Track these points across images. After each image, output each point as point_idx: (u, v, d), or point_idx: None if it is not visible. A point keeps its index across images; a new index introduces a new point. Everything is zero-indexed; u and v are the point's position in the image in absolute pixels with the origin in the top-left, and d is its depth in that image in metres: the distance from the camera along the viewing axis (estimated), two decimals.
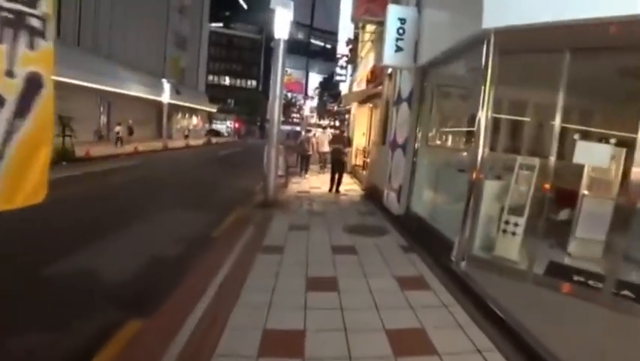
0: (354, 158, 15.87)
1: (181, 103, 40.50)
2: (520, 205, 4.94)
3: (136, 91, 31.06)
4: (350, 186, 12.46)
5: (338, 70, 30.89)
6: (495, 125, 5.21)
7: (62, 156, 15.67)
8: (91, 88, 25.52)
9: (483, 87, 4.50)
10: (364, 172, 13.10)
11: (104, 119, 30.92)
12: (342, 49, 29.43)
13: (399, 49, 6.98)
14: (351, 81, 20.23)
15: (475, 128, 4.56)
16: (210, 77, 77.49)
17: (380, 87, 10.52)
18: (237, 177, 13.94)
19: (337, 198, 10.16)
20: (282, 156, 11.23)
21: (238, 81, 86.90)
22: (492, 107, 4.57)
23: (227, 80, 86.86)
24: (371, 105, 14.50)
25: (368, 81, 12.53)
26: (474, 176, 4.64)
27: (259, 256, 5.11)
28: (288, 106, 75.77)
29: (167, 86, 29.94)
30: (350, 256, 5.28)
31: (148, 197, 9.75)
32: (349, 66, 27.38)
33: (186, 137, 37.10)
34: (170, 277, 4.30)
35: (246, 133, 71.07)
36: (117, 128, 26.55)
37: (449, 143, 7.00)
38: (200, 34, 53.59)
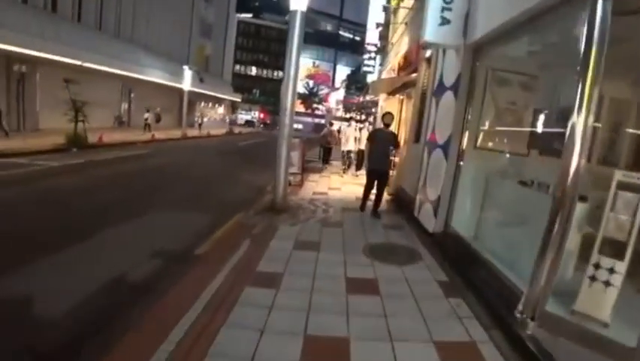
0: None
1: (204, 91, 39.60)
2: (619, 243, 3.36)
3: (158, 77, 30.30)
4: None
5: (366, 61, 29.13)
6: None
7: (74, 142, 14.97)
8: (112, 73, 24.84)
9: (584, 69, 2.91)
10: (391, 173, 11.57)
11: (124, 105, 30.38)
12: (372, 37, 27.70)
13: (444, 21, 5.42)
14: (380, 71, 18.66)
15: (567, 128, 2.99)
16: (237, 67, 77.04)
17: (414, 74, 8.95)
18: (250, 172, 12.63)
19: (358, 202, 8.70)
20: (297, 151, 9.84)
21: (265, 72, 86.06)
22: (595, 99, 2.98)
23: (253, 71, 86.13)
24: (402, 96, 12.89)
25: (400, 69, 10.94)
26: (562, 196, 3.09)
27: (246, 292, 3.73)
28: (310, 95, 74.13)
29: (187, 73, 28.93)
30: (370, 298, 3.82)
31: (141, 193, 8.53)
32: (378, 56, 25.71)
33: (199, 125, 34.94)
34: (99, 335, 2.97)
35: (272, 123, 70.38)
36: (146, 115, 26.77)
37: (507, 146, 5.39)
38: (226, 22, 52.71)
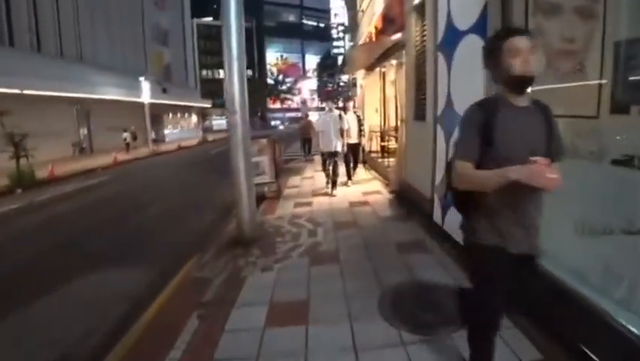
0: (368, 143, 12.31)
1: (169, 102, 37.08)
2: None
3: (114, 94, 27.74)
4: (369, 184, 8.93)
5: (335, 42, 27.07)
6: None
7: (18, 182, 12.78)
8: (60, 97, 22.37)
9: None
10: (386, 162, 9.56)
11: (83, 130, 27.85)
12: (337, 16, 25.66)
13: None
14: (352, 47, 16.63)
15: None
16: (204, 72, 74.05)
17: (399, 34, 6.94)
18: (219, 184, 10.46)
19: (353, 210, 6.68)
20: (266, 156, 7.78)
21: None
22: None
23: (221, 74, 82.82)
24: (384, 69, 10.90)
25: (378, 34, 8.90)
26: None
27: None
28: (276, 85, 70.61)
29: (145, 84, 26.47)
30: None
31: (70, 244, 6.37)
32: (347, 35, 23.70)
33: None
34: None
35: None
36: (124, 135, 26.15)
37: (569, 105, 3.19)
38: (183, 27, 49.95)
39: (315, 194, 8.16)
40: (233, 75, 4.88)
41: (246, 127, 5.07)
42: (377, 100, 12.30)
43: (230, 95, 4.92)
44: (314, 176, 10.59)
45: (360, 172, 10.93)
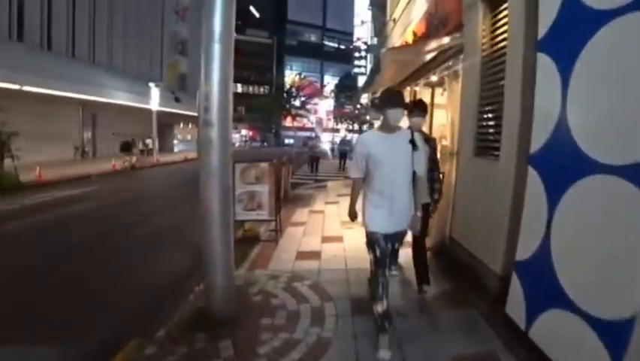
0: None
1: (181, 111, 35.85)
2: None
3: (124, 100, 26.49)
4: None
5: (356, 61, 25.58)
6: None
7: None
8: (67, 97, 21.14)
9: None
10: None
11: (87, 134, 26.60)
12: (360, 32, 24.20)
13: None
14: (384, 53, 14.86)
15: None
16: None
17: (457, 34, 5.15)
18: None
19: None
20: (266, 185, 5.94)
21: (250, 88, 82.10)
22: None
23: (239, 88, 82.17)
24: (416, 87, 9.13)
25: (418, 40, 7.14)
26: None
27: None
28: (289, 96, 68.88)
29: (155, 91, 25.13)
30: None
31: None
32: (369, 55, 22.16)
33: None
34: None
35: (261, 141, 66.48)
36: (147, 141, 27.17)
37: None
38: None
39: (325, 239, 6.28)
40: (212, 65, 3.11)
41: (226, 146, 3.26)
42: (405, 123, 10.47)
43: (206, 95, 3.13)
44: (325, 210, 8.71)
45: None
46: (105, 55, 27.80)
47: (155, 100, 25.29)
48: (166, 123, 34.71)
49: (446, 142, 8.62)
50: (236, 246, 5.77)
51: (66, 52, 23.96)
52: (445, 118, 9.64)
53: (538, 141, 3.02)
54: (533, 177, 3.05)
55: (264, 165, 5.93)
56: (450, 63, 5.44)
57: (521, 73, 3.42)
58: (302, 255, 5.41)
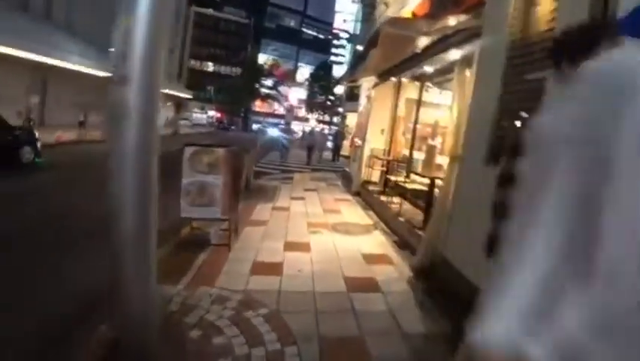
0: (366, 170, 9.55)
1: None
2: None
3: (79, 64, 24.17)
4: (370, 237, 6.09)
5: (333, 49, 24.49)
6: None
7: None
8: (13, 57, 18.83)
9: None
10: (393, 205, 6.77)
11: (35, 99, 24.16)
12: (341, 23, 23.06)
13: None
14: (354, 60, 13.74)
15: None
16: (192, 62, 70.27)
17: (466, 16, 4.21)
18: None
19: (352, 301, 3.82)
20: (220, 176, 4.83)
21: (222, 68, 78.97)
22: None
23: (210, 67, 78.92)
24: (405, 77, 8.27)
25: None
26: None
27: None
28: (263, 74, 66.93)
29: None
30: None
31: None
32: (349, 46, 21.13)
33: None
34: None
35: (229, 124, 64.17)
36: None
37: None
38: (176, 10, 46.55)
39: (289, 245, 5.24)
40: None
41: (150, 117, 2.13)
42: (386, 118, 9.58)
43: (124, 36, 2.00)
44: (290, 207, 7.66)
45: (353, 207, 8.13)
46: (62, 12, 25.32)
47: None
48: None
49: (433, 142, 7.78)
50: (179, 249, 4.72)
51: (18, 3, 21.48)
52: (434, 116, 8.81)
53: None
54: None
55: (220, 151, 4.81)
56: (454, 51, 4.49)
57: None
58: (259, 267, 4.36)
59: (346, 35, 20.43)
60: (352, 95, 21.72)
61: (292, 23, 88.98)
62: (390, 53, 6.59)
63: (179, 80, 52.69)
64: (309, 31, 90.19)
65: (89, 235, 4.31)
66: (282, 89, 69.76)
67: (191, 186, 4.77)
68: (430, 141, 7.57)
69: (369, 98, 9.57)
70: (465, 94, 4.10)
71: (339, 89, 30.73)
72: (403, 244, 5.60)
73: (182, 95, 47.27)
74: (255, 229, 5.82)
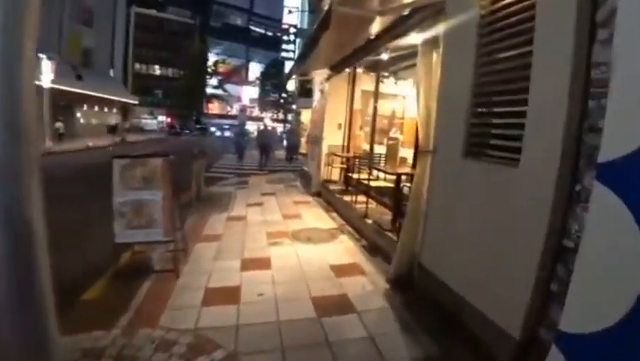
0: (325, 168, 9.05)
1: (84, 91, 31.46)
2: None
3: None
4: (335, 243, 5.57)
5: (284, 45, 23.87)
6: None
7: None
8: None
9: None
10: (357, 204, 6.30)
11: None
12: (289, 18, 22.47)
13: None
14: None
15: None
16: (138, 66, 67.05)
17: None
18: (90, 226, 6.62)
19: (323, 326, 3.29)
20: (159, 192, 4.13)
21: (170, 71, 75.77)
22: None
23: (157, 70, 75.55)
24: (359, 68, 7.86)
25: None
26: None
27: None
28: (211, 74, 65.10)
29: (46, 64, 21.22)
30: None
31: None
32: (298, 40, 20.57)
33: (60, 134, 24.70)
34: None
35: (181, 128, 61.70)
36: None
37: None
38: (114, 11, 44.05)
39: (247, 263, 4.63)
40: None
41: (18, 115, 1.46)
42: (342, 112, 9.12)
43: None
44: (247, 216, 7.02)
45: (315, 209, 7.61)
46: None
47: (47, 75, 21.40)
48: (65, 105, 30.23)
49: (396, 135, 7.38)
50: (116, 282, 3.99)
51: None
52: (392, 108, 8.40)
53: (616, 142, 1.68)
54: (606, 198, 1.71)
55: (156, 161, 4.12)
56: (415, 34, 4.03)
57: (573, 37, 2.10)
58: (213, 295, 3.72)
59: (294, 30, 19.92)
60: (305, 91, 21.13)
61: (239, 22, 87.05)
62: (343, 40, 6.10)
63: (125, 85, 50.29)
64: (258, 29, 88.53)
65: None
66: (234, 88, 68.24)
67: (125, 206, 4.05)
68: (391, 134, 7.16)
69: (322, 92, 9.06)
70: (432, 81, 3.65)
71: (291, 85, 30.11)
72: (372, 249, 5.14)
73: (126, 100, 45.00)
74: (208, 246, 5.16)
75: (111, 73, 43.74)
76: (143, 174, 4.10)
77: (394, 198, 5.28)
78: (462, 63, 3.21)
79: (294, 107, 43.70)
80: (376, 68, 7.72)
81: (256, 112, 66.00)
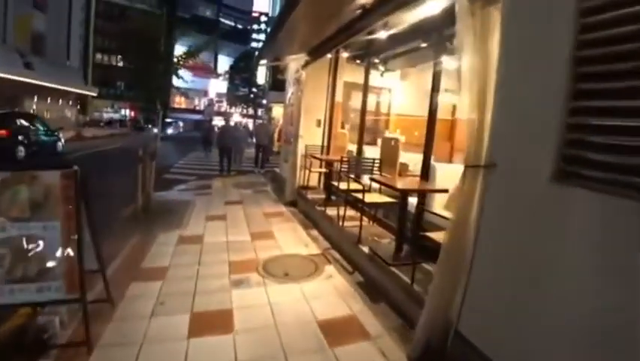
0: (302, 172, 7.68)
1: (33, 81, 28.71)
2: None
3: None
4: (320, 282, 4.22)
5: (254, 35, 22.24)
6: None
7: None
8: None
9: None
10: (334, 214, 4.94)
11: None
12: (259, 5, 20.81)
13: None
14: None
15: None
16: (99, 56, 63.23)
17: None
18: None
19: None
20: (56, 221, 2.69)
21: (136, 63, 71.75)
22: None
23: (120, 62, 71.58)
24: (345, 52, 6.58)
25: None
26: None
27: None
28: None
29: None
30: None
31: None
32: (269, 29, 19.01)
33: None
34: None
35: (146, 123, 58.45)
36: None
37: None
38: None
39: (197, 323, 3.22)
40: None
41: None
42: (322, 107, 7.79)
43: None
44: (204, 233, 5.58)
45: (290, 224, 6.25)
46: None
47: None
48: (11, 96, 27.50)
49: (395, 135, 6.14)
50: None
51: None
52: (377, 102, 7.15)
53: None
54: None
55: (52, 176, 2.66)
56: None
57: None
58: None
59: (264, 18, 18.51)
60: (277, 84, 19.62)
61: (208, 13, 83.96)
62: (324, 11, 4.76)
63: (85, 76, 47.00)
64: (228, 22, 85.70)
65: None
66: (201, 82, 65.60)
67: (2, 246, 2.59)
68: (387, 134, 5.88)
69: (299, 81, 7.66)
70: (487, 59, 2.36)
71: (262, 79, 28.52)
72: (372, 289, 3.84)
73: (84, 92, 42.07)
74: (146, 289, 3.71)
75: (67, 63, 40.61)
76: (30, 197, 2.63)
77: (399, 220, 3.99)
78: (548, 25, 1.94)
79: (264, 102, 41.93)
80: (366, 54, 6.42)
81: (225, 107, 63.76)
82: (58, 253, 2.67)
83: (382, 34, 4.99)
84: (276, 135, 17.66)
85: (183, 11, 78.89)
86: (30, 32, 31.71)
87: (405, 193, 3.85)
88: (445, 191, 3.26)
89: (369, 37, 5.39)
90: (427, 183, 4.10)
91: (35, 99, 32.62)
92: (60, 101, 37.32)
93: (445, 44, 4.06)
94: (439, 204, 4.20)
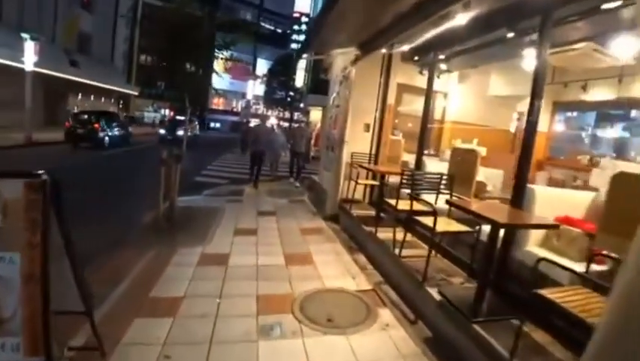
0: (345, 182, 6.72)
1: (77, 78, 29.25)
2: None
3: None
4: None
5: (294, 36, 21.63)
6: None
7: None
8: None
9: None
10: (387, 238, 3.92)
11: None
12: (301, 5, 20.16)
13: None
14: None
15: None
16: (143, 58, 64.99)
17: None
18: None
19: None
20: (14, 253, 1.88)
21: (177, 64, 73.37)
22: None
23: (162, 63, 73.26)
24: (400, 45, 5.59)
25: None
26: None
27: None
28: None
29: (29, 45, 18.93)
30: None
31: None
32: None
33: None
34: None
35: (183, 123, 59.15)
36: None
37: None
38: None
39: None
40: None
41: None
42: (372, 110, 6.84)
43: None
44: (230, 253, 4.75)
45: (331, 245, 5.31)
46: None
47: (29, 57, 19.13)
48: (56, 92, 28.10)
49: (471, 145, 5.15)
50: None
51: None
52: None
53: None
54: None
55: (11, 186, 1.85)
56: None
57: None
58: None
59: (306, 19, 17.87)
60: (317, 86, 18.83)
61: (248, 16, 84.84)
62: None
63: (130, 75, 48.31)
64: (267, 25, 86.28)
65: None
66: (239, 84, 66.19)
67: None
68: (459, 144, 4.85)
69: (347, 78, 6.74)
70: None
71: (299, 81, 27.85)
72: (445, 350, 2.85)
73: (126, 90, 42.98)
74: (150, 330, 2.87)
75: (112, 62, 41.66)
76: None
77: (487, 260, 2.98)
78: None
79: (301, 105, 41.25)
80: (430, 48, 5.43)
81: (261, 109, 63.94)
82: (16, 299, 1.86)
83: (460, 19, 3.97)
84: (312, 141, 16.84)
85: (224, 15, 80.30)
86: (77, 32, 32.51)
87: (500, 226, 2.81)
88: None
89: (438, 28, 4.41)
90: (522, 213, 3.06)
91: (79, 96, 33.36)
92: (103, 99, 38.11)
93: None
94: (534, 241, 3.18)
